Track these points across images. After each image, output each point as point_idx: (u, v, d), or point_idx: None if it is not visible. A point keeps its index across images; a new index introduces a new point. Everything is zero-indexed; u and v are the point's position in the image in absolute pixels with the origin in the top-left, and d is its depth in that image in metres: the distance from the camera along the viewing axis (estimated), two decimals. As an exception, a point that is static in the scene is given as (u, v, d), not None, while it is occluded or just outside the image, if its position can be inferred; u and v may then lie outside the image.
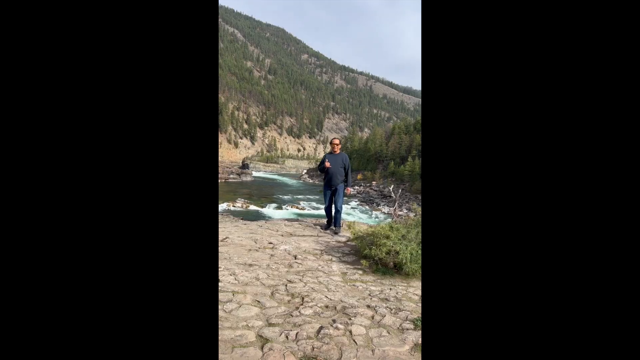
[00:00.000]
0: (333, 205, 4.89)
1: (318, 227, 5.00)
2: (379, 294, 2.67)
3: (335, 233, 4.64)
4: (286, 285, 2.78)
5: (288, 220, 5.46)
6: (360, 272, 3.12)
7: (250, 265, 3.24)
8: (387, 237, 3.06)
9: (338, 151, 5.01)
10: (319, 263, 3.34)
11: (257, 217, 23.72)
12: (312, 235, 4.50)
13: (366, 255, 3.26)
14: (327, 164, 4.79)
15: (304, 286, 2.75)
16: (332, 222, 4.95)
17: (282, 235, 4.44)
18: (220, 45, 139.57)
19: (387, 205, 32.37)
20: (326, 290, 2.71)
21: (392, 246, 2.99)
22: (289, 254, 3.60)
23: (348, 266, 3.26)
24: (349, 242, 4.17)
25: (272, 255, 3.56)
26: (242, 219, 6.05)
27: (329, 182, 4.92)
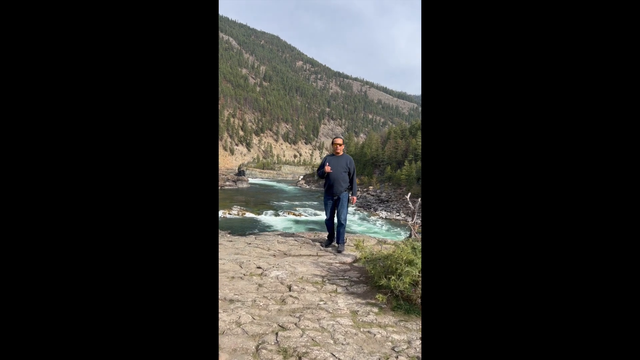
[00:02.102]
0: (335, 218, 4.08)
1: (317, 243, 4.21)
2: (407, 347, 1.91)
3: (339, 251, 3.84)
4: (277, 333, 2.03)
5: (282, 235, 4.68)
6: (376, 310, 2.36)
7: (231, 301, 2.48)
8: (410, 263, 2.32)
9: (341, 152, 4.08)
10: (321, 296, 2.58)
11: (252, 225, 23.05)
12: (310, 255, 3.73)
13: (382, 285, 2.51)
14: (328, 168, 3.96)
15: (302, 336, 2.00)
16: (334, 237, 4.16)
17: (274, 256, 3.68)
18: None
19: (385, 210, 31.99)
20: (332, 341, 1.96)
21: (419, 275, 2.25)
22: (281, 283, 2.84)
23: (359, 301, 2.51)
24: (355, 264, 3.42)
25: (260, 285, 2.80)
26: (228, 233, 5.27)
27: (329, 190, 4.06)
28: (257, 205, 31.36)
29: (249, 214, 27.33)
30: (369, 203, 34.41)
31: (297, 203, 34.03)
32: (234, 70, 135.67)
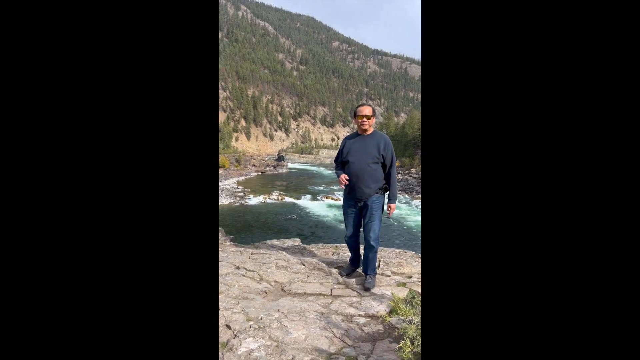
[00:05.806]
0: (363, 235, 2.60)
1: (334, 270, 2.83)
2: None
3: (366, 288, 2.41)
4: None
5: (287, 251, 3.34)
6: None
7: None
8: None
9: (370, 129, 2.46)
10: None
11: (290, 210, 22.39)
12: (320, 294, 2.39)
13: None
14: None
15: None
16: (360, 262, 2.70)
17: (265, 293, 2.39)
18: (252, 39, 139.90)
19: (429, 194, 29.56)
20: None
21: None
22: (252, 374, 1.54)
23: None
24: (394, 319, 2.01)
25: (213, 376, 1.52)
26: (230, 241, 4.10)
27: (351, 192, 2.48)
28: (296, 190, 30.90)
29: (287, 199, 27.03)
30: (410, 186, 32.21)
31: (335, 187, 32.98)
32: (270, 56, 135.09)
